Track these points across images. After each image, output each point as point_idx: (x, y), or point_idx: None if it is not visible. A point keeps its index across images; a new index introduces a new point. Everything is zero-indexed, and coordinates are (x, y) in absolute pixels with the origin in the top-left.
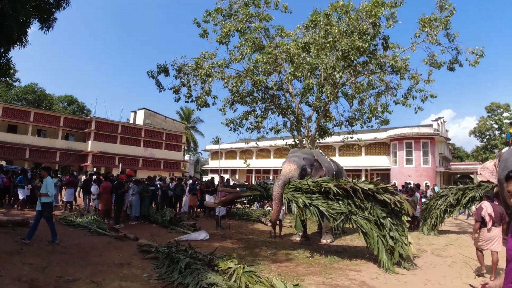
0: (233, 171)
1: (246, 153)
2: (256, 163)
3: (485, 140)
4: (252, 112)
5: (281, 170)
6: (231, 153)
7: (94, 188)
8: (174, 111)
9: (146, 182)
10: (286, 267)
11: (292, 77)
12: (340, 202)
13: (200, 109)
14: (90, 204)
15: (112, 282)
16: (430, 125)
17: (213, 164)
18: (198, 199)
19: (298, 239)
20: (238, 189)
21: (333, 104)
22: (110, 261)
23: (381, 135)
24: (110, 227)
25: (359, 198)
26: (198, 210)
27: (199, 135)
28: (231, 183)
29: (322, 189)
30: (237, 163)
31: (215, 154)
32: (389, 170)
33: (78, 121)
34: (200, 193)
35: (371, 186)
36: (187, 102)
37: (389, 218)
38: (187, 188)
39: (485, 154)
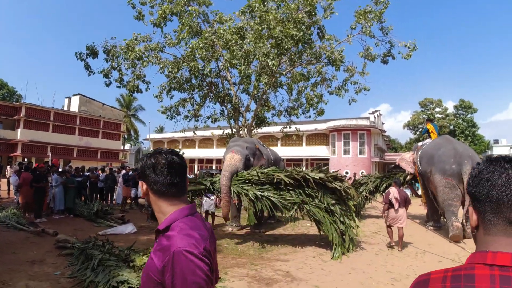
0: (191, 161)
1: (188, 142)
2: (199, 152)
3: (417, 132)
4: (189, 100)
5: (223, 160)
6: (173, 143)
7: (13, 179)
8: (113, 98)
9: (69, 172)
10: None
11: (229, 64)
12: (291, 192)
13: (131, 95)
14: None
15: (19, 281)
16: (367, 118)
17: None
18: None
19: (231, 229)
20: None
21: (272, 94)
22: (24, 259)
23: (321, 126)
24: (30, 221)
25: (310, 187)
26: (130, 201)
27: (140, 124)
28: None
29: (274, 180)
30: (196, 152)
31: (157, 144)
32: (328, 159)
33: (6, 107)
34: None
35: (321, 175)
36: (118, 87)
37: (338, 205)
38: (120, 179)
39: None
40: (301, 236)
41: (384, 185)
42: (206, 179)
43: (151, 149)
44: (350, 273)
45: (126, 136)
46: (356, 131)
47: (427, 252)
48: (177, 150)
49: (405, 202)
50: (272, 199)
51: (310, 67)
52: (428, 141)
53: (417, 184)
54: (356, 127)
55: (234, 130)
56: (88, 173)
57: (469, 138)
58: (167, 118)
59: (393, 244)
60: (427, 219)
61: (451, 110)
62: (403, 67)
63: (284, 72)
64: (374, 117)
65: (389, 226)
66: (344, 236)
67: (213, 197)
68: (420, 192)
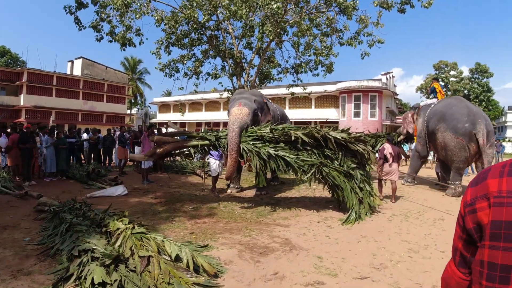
0: (182, 125)
1: (195, 105)
2: (206, 115)
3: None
4: (189, 56)
5: (229, 113)
6: (180, 106)
7: (2, 141)
8: (118, 61)
9: (59, 132)
10: (203, 224)
11: (228, 12)
12: (309, 152)
13: (124, 49)
14: None
15: None
16: (379, 79)
17: (161, 117)
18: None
19: (230, 191)
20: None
21: (277, 50)
22: None
23: (331, 88)
24: (17, 185)
25: (329, 149)
26: (130, 163)
27: (146, 88)
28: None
29: (292, 138)
30: (186, 116)
31: (163, 107)
32: (337, 122)
33: (7, 73)
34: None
35: (344, 135)
36: (110, 41)
37: (358, 169)
38: (116, 140)
39: None
40: (306, 199)
41: (380, 144)
42: (211, 133)
43: (158, 113)
44: (360, 241)
45: (132, 100)
46: (368, 92)
47: (446, 219)
48: (191, 114)
49: (398, 157)
50: (288, 159)
51: (318, 14)
52: (434, 100)
53: (406, 146)
54: (367, 89)
55: (237, 86)
56: (85, 134)
57: (483, 103)
58: (166, 75)
59: (381, 198)
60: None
61: (465, 74)
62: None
63: (290, 22)
64: (387, 78)
65: (380, 181)
66: (361, 204)
67: (217, 155)
68: (409, 154)
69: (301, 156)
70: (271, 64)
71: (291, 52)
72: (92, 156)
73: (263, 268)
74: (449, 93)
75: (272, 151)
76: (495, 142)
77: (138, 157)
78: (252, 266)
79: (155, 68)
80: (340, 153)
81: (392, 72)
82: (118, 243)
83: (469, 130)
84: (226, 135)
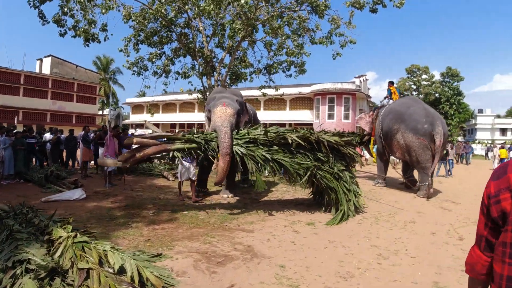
0: (156, 125)
1: (169, 106)
2: (180, 117)
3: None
4: (157, 55)
5: (211, 114)
6: (153, 107)
7: None
8: (89, 61)
9: (17, 133)
10: (162, 230)
11: (197, 9)
12: (302, 155)
13: (88, 45)
14: None
15: None
16: (353, 82)
17: (134, 118)
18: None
19: (227, 196)
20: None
21: (250, 51)
22: None
23: (305, 90)
24: None
25: (322, 152)
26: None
27: (119, 88)
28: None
29: (289, 141)
30: (160, 117)
31: (137, 108)
32: (312, 124)
33: None
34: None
35: (336, 138)
36: (74, 37)
37: (346, 171)
38: (80, 141)
39: None
40: (274, 202)
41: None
42: (199, 135)
43: (130, 114)
44: (327, 247)
45: (105, 101)
46: (341, 95)
47: (417, 221)
48: (165, 115)
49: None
50: (283, 163)
51: (290, 12)
52: (390, 101)
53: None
54: (341, 91)
55: (206, 85)
56: (48, 134)
57: (454, 106)
58: (134, 74)
59: None
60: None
61: (437, 78)
62: (390, 35)
63: (261, 20)
64: (360, 81)
65: None
66: (349, 204)
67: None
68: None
69: (296, 160)
70: (243, 64)
71: (263, 53)
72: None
73: (219, 280)
74: (420, 96)
75: (267, 155)
76: (465, 144)
77: (110, 163)
78: (207, 277)
79: (123, 65)
80: (331, 155)
81: (365, 75)
82: (58, 253)
83: (429, 130)
84: (216, 137)
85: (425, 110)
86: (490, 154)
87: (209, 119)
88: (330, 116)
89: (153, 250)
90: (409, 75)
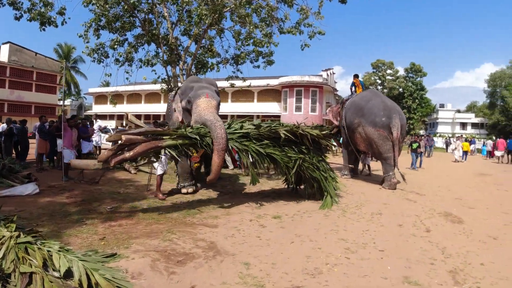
0: (119, 117)
1: (134, 97)
2: (145, 108)
3: (352, 91)
4: (120, 41)
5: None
6: (117, 97)
7: None
8: (51, 48)
9: None
10: (119, 227)
11: None
12: (289, 148)
13: (44, 29)
14: None
15: None
16: (320, 75)
17: (97, 109)
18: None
19: (187, 190)
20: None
21: (218, 40)
22: None
23: (273, 82)
24: None
25: (305, 144)
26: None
27: (81, 77)
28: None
29: (281, 135)
30: (125, 107)
31: (100, 98)
32: (279, 116)
33: None
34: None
35: (317, 131)
36: (30, 20)
37: (323, 162)
38: (36, 132)
39: None
40: (241, 195)
41: None
42: (192, 131)
43: (93, 104)
44: (294, 241)
45: (66, 90)
46: (309, 87)
47: (383, 213)
48: (131, 105)
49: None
50: (275, 156)
51: (261, 2)
52: (354, 95)
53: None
54: (308, 84)
55: (170, 73)
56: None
57: (417, 100)
58: (94, 61)
59: None
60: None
61: (401, 73)
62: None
63: (228, 7)
64: (327, 74)
65: None
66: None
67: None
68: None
69: (285, 153)
70: (210, 53)
71: (231, 42)
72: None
73: (178, 281)
74: (385, 90)
75: (260, 149)
76: (427, 137)
77: (87, 164)
78: (165, 279)
79: (82, 52)
80: (311, 148)
81: (332, 68)
82: (0, 255)
83: (387, 123)
84: (208, 132)
85: (384, 103)
86: (451, 147)
87: (187, 110)
88: (298, 109)
89: (107, 249)
90: (375, 70)
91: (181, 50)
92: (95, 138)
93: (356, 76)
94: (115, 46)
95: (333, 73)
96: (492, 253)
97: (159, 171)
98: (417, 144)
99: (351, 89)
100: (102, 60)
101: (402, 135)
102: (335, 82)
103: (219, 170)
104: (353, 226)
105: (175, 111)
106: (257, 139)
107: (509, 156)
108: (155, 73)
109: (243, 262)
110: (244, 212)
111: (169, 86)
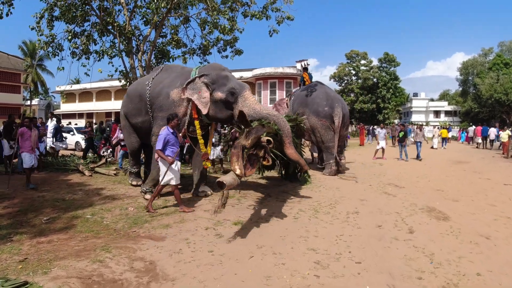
0: (89, 115)
1: (104, 94)
2: (115, 104)
3: (343, 84)
4: (74, 32)
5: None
6: (86, 95)
7: None
8: (15, 45)
9: None
10: (48, 244)
11: None
12: None
13: None
14: None
15: None
16: (294, 67)
17: (65, 108)
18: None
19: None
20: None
21: (184, 30)
22: None
23: (247, 74)
24: None
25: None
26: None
27: (48, 75)
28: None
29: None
30: (94, 105)
31: (68, 97)
32: None
33: None
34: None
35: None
36: None
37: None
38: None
39: (342, 97)
40: (202, 196)
41: None
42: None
43: (61, 103)
44: (253, 256)
45: (32, 89)
46: (283, 79)
47: (360, 211)
48: (100, 103)
49: None
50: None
51: None
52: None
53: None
54: (282, 75)
55: (128, 64)
56: None
57: (391, 90)
58: (48, 54)
59: None
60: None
61: (375, 63)
62: (331, 23)
63: None
64: (302, 65)
65: None
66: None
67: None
68: None
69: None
70: (174, 42)
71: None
72: None
73: None
74: (359, 81)
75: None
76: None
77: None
78: None
79: (36, 46)
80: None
81: (306, 60)
82: None
83: (329, 113)
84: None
85: (326, 94)
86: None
87: (225, 102)
88: (272, 101)
89: (23, 275)
90: (349, 61)
91: (141, 41)
92: (49, 138)
93: (305, 69)
94: (69, 37)
95: (308, 64)
96: (487, 258)
97: (176, 181)
98: (403, 133)
99: (299, 83)
100: (57, 54)
101: (345, 124)
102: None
103: (298, 156)
104: (325, 230)
105: (187, 102)
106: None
107: (485, 142)
108: (112, 65)
109: None
110: (201, 218)
111: (128, 80)
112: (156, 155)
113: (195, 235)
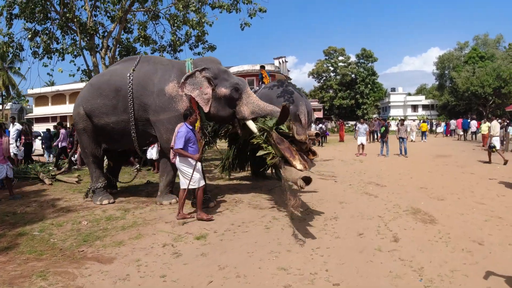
0: (63, 118)
1: (77, 96)
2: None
3: (321, 81)
4: (34, 31)
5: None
6: (59, 97)
7: None
8: None
9: None
10: None
11: None
12: None
13: None
14: None
15: None
16: (272, 64)
17: (38, 111)
18: None
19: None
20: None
21: (151, 26)
22: None
23: None
24: None
25: None
26: None
27: (19, 78)
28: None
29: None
30: (68, 108)
31: (40, 100)
32: None
33: None
34: None
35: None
36: None
37: None
38: None
39: (321, 94)
40: (167, 204)
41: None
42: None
43: (33, 107)
44: (212, 280)
45: (3, 93)
46: None
47: (339, 216)
48: (73, 105)
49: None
50: None
51: None
52: (262, 85)
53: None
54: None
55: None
56: None
57: (369, 85)
58: (7, 55)
59: None
60: None
61: (353, 59)
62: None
63: None
64: (279, 62)
65: None
66: None
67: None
68: None
69: None
70: (142, 39)
71: (167, 27)
72: None
73: None
74: (338, 77)
75: None
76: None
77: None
78: None
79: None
80: None
81: (284, 57)
82: None
83: (293, 111)
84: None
85: (290, 92)
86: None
87: (228, 99)
88: None
89: None
90: (327, 57)
91: (105, 36)
92: (12, 144)
93: (262, 67)
94: (30, 36)
95: (286, 61)
96: (483, 270)
97: (203, 181)
98: (384, 128)
99: (259, 80)
100: (17, 54)
101: (309, 121)
102: (288, 71)
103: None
104: (299, 242)
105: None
106: None
107: (465, 134)
108: (74, 64)
109: None
110: (160, 232)
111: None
112: (172, 157)
113: (149, 254)
